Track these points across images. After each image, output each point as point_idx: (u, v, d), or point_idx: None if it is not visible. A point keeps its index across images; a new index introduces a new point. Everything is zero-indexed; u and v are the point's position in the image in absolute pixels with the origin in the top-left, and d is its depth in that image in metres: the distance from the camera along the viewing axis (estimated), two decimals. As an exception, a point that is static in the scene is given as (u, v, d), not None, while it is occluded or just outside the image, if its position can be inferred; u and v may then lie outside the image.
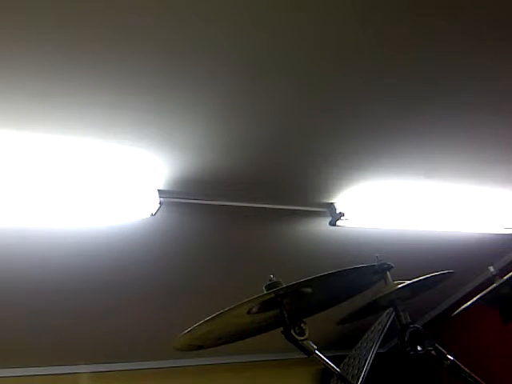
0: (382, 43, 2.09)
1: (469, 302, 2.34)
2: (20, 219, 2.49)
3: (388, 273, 1.81)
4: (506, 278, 2.25)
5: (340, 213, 2.93)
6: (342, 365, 2.46)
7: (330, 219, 3.00)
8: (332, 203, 2.97)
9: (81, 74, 1.94)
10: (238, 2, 1.81)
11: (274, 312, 1.60)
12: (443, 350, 1.70)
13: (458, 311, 2.45)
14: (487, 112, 2.61)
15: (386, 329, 2.30)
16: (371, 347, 2.22)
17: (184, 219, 2.82)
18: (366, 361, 2.18)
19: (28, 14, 1.69)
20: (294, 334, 1.53)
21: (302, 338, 1.54)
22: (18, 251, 2.68)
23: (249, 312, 1.58)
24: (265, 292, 1.57)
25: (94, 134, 2.20)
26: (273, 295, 1.55)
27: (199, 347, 1.68)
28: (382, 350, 4.17)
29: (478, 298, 2.29)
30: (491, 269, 2.35)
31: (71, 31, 1.78)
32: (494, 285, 2.27)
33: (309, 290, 1.60)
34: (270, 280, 1.60)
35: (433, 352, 1.69)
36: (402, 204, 3.10)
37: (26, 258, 2.74)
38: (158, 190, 2.55)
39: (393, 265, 1.82)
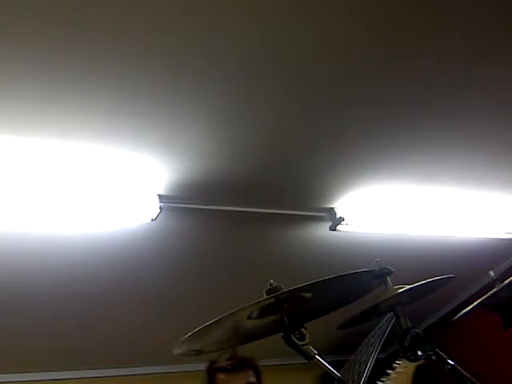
0: (383, 47, 2.10)
1: (469, 307, 2.35)
2: (20, 224, 2.49)
3: (388, 277, 1.80)
4: (506, 282, 2.25)
5: (340, 217, 2.93)
6: (342, 370, 2.45)
7: (330, 224, 3.00)
8: (332, 208, 2.97)
9: (80, 80, 1.94)
10: (236, 5, 1.81)
11: (274, 317, 1.60)
12: (444, 355, 1.70)
13: (458, 316, 2.45)
14: (487, 117, 2.61)
15: (386, 334, 2.30)
16: (372, 352, 2.22)
17: (184, 224, 2.82)
18: (366, 366, 2.18)
19: (29, 19, 1.70)
20: (294, 338, 1.53)
21: (302, 343, 1.53)
22: (17, 256, 2.68)
23: (249, 317, 1.58)
24: (265, 297, 1.57)
25: (93, 139, 2.20)
26: (273, 300, 1.54)
27: (199, 352, 1.67)
28: (382, 355, 4.16)
29: (479, 303, 2.29)
30: (491, 273, 2.36)
31: (70, 37, 1.78)
32: (495, 289, 2.28)
33: (309, 294, 1.59)
34: (271, 285, 1.60)
35: (433, 357, 1.69)
36: (402, 209, 3.10)
37: (25, 263, 2.74)
38: (159, 195, 2.55)
39: (393, 269, 1.81)
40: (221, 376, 2.32)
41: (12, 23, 1.70)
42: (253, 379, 2.31)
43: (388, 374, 1.91)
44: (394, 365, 1.85)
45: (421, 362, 1.63)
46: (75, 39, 1.79)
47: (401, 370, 1.87)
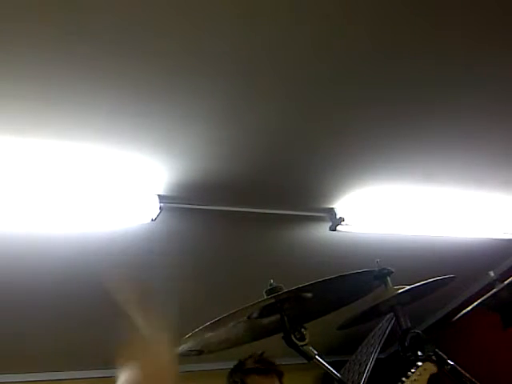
0: (383, 47, 2.09)
1: (469, 307, 2.35)
2: (20, 225, 2.49)
3: (388, 278, 1.81)
4: (506, 282, 2.25)
5: (340, 218, 2.93)
6: (342, 370, 2.45)
7: (330, 224, 2.99)
8: (332, 208, 2.97)
9: (80, 80, 1.94)
10: (236, 5, 1.81)
11: (274, 317, 1.60)
12: (444, 355, 1.70)
13: (458, 316, 2.45)
14: (487, 117, 2.61)
15: (386, 334, 2.30)
16: (372, 352, 2.22)
17: (184, 224, 2.82)
18: (366, 366, 2.18)
19: (30, 22, 1.70)
20: (294, 339, 1.53)
21: (302, 343, 1.53)
22: (17, 256, 2.68)
23: (249, 317, 1.58)
24: (265, 297, 1.57)
25: (93, 139, 2.20)
26: (273, 300, 1.54)
27: (200, 352, 1.67)
28: (382, 356, 4.16)
29: (479, 303, 2.29)
30: (491, 274, 2.36)
31: (70, 37, 1.78)
32: (495, 290, 2.28)
33: (309, 294, 1.59)
34: (271, 285, 1.60)
35: (433, 357, 1.69)
36: (402, 209, 3.10)
37: (25, 263, 2.74)
38: (159, 195, 2.55)
39: (393, 270, 1.81)
40: (253, 377, 2.39)
41: (12, 23, 1.69)
42: (278, 383, 2.40)
43: (408, 377, 1.91)
44: (412, 370, 1.85)
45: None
46: (75, 39, 1.79)
47: (419, 374, 1.87)
